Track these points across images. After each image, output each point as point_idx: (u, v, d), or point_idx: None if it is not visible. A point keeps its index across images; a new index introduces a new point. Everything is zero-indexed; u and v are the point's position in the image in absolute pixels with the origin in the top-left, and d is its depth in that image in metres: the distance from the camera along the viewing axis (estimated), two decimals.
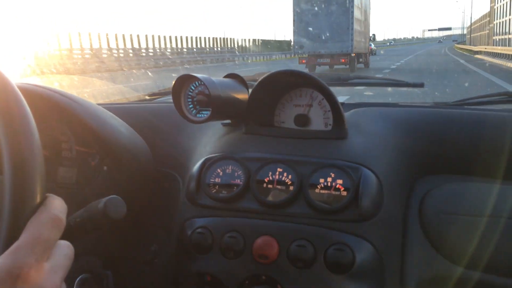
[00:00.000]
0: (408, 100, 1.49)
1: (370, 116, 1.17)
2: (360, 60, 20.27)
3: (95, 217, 0.77)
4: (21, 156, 0.65)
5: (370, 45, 24.19)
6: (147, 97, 1.74)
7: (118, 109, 1.28)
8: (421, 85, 1.44)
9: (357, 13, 19.08)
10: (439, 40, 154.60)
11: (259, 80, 1.08)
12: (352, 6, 18.40)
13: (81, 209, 0.81)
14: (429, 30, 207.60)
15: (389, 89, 1.69)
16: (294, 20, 18.62)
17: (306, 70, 1.22)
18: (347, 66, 18.83)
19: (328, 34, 18.14)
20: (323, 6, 18.14)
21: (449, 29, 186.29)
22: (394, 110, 1.22)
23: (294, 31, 18.82)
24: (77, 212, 0.81)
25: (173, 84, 1.07)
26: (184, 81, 1.08)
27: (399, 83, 1.50)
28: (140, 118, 1.30)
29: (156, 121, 1.31)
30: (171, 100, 1.09)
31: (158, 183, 1.19)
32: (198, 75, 1.05)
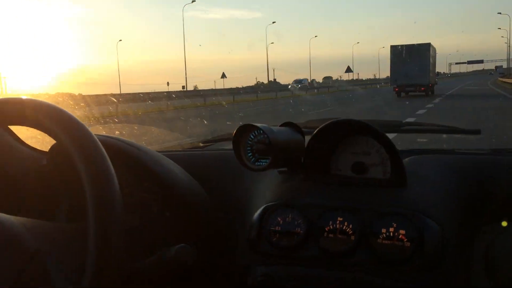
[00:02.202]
0: (462, 145, 1.46)
1: (427, 164, 1.16)
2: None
3: (166, 265, 0.80)
4: (104, 199, 0.70)
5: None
6: (201, 144, 1.79)
7: (175, 157, 1.33)
8: (477, 132, 1.42)
9: (430, 59, 30.27)
10: (490, 73, 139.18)
11: (318, 129, 1.11)
12: (429, 55, 29.71)
13: (150, 257, 0.84)
14: (456, 63, 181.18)
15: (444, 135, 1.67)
16: (391, 65, 30.26)
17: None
18: (423, 93, 28.19)
19: (413, 73, 28.01)
20: (409, 55, 29.22)
21: (481, 61, 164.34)
22: (452, 158, 1.21)
23: (391, 71, 30.58)
24: (147, 259, 0.84)
25: (234, 133, 1.11)
26: (244, 129, 1.11)
27: (454, 129, 1.48)
28: (197, 165, 1.34)
29: (213, 168, 1.35)
30: (224, 147, 1.12)
31: (217, 229, 1.22)
32: (259, 125, 1.08)
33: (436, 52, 33.99)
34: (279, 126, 1.19)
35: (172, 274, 0.81)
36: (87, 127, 0.81)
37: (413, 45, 30.15)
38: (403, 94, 28.80)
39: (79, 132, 0.78)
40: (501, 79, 58.32)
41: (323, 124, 1.10)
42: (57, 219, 1.13)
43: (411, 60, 28.86)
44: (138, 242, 1.12)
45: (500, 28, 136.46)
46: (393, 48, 30.46)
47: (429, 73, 29.26)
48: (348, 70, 45.22)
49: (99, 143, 0.79)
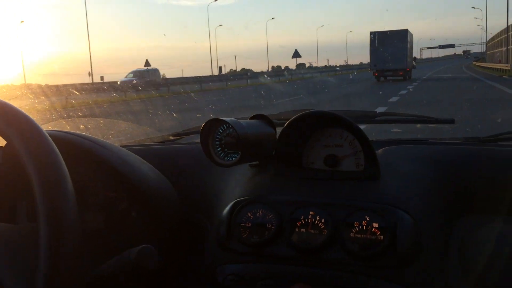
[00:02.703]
0: (437, 135, 1.45)
1: (401, 155, 1.14)
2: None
3: (127, 268, 0.75)
4: (56, 205, 0.65)
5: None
6: (171, 137, 1.73)
7: (144, 151, 1.27)
8: (451, 121, 1.41)
9: (408, 44, 31.64)
10: (466, 56, 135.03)
11: (288, 121, 1.07)
12: (406, 41, 30.98)
13: (111, 260, 0.79)
14: (427, 48, 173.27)
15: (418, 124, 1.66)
16: (370, 51, 31.45)
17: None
18: (401, 77, 29.53)
19: (391, 58, 29.51)
20: (388, 41, 30.54)
21: (453, 46, 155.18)
22: (426, 148, 1.18)
23: (370, 56, 31.57)
24: (108, 262, 0.79)
25: (201, 128, 1.06)
26: (212, 124, 1.07)
27: (428, 119, 1.46)
28: (167, 160, 1.29)
29: (183, 163, 1.30)
30: (196, 140, 1.08)
31: (185, 226, 1.17)
32: (226, 119, 1.04)
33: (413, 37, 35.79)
34: (249, 118, 1.14)
35: (135, 276, 0.76)
36: (37, 123, 0.75)
37: (391, 31, 31.85)
38: (382, 78, 30.36)
39: (27, 129, 0.72)
40: (475, 63, 59.67)
41: (294, 116, 1.06)
42: (18, 220, 1.07)
43: (390, 45, 30.27)
44: (103, 243, 1.07)
45: (476, 18, 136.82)
46: (372, 35, 31.65)
47: (406, 58, 30.77)
48: (296, 55, 44.50)
49: (50, 140, 0.73)
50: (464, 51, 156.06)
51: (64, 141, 1.02)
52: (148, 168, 1.13)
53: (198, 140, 1.07)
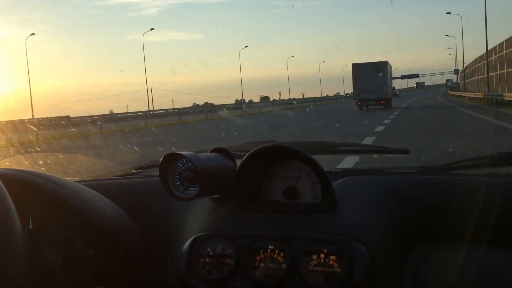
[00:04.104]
0: (394, 164, 1.49)
1: (358, 186, 1.17)
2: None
3: None
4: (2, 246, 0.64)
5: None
6: (133, 171, 1.72)
7: (104, 186, 1.26)
8: (406, 152, 1.46)
9: (388, 75, 33.52)
10: (447, 85, 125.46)
11: (246, 155, 1.08)
12: (386, 72, 32.67)
13: None
14: (393, 78, 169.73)
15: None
16: (353, 81, 32.77)
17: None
18: (383, 106, 31.34)
19: (373, 88, 31.22)
20: (370, 73, 31.88)
21: (417, 76, 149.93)
22: (382, 178, 1.22)
23: (353, 87, 32.87)
24: None
25: (160, 162, 1.07)
26: (171, 159, 1.07)
27: (384, 149, 1.51)
28: (127, 194, 1.28)
29: (144, 197, 1.29)
30: (158, 173, 1.08)
31: (146, 261, 1.16)
32: (184, 153, 1.05)
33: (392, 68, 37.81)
34: (210, 152, 1.16)
35: None
36: None
37: (371, 63, 33.24)
38: (364, 108, 31.95)
39: None
40: (451, 92, 60.67)
41: (252, 150, 1.08)
42: None
43: (371, 76, 31.76)
44: (61, 281, 1.04)
45: (448, 47, 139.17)
46: (355, 66, 33.22)
47: (387, 88, 32.53)
48: None
49: None
50: (447, 80, 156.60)
51: (20, 179, 1.01)
52: (106, 204, 1.12)
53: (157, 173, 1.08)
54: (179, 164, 1.08)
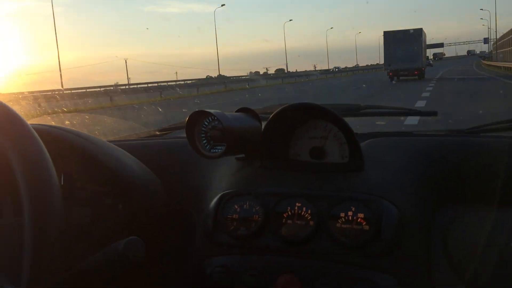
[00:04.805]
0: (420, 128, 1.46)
1: (385, 147, 1.15)
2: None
3: (114, 261, 0.75)
4: (41, 198, 0.65)
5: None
6: (157, 133, 1.73)
7: (130, 146, 1.27)
8: (434, 114, 1.43)
9: (422, 44, 31.31)
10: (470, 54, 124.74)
11: (273, 114, 1.07)
12: (421, 40, 30.62)
13: (97, 253, 0.79)
14: None
15: (402, 117, 1.67)
16: (384, 51, 30.76)
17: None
18: (416, 76, 29.20)
19: (406, 57, 29.09)
20: (403, 41, 29.82)
21: (441, 45, 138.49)
22: (409, 140, 1.20)
23: (384, 56, 30.95)
24: (95, 255, 0.79)
25: (186, 120, 1.07)
26: (198, 117, 1.07)
27: (412, 111, 1.48)
28: (152, 155, 1.29)
29: (169, 157, 1.30)
30: (182, 135, 1.09)
31: (173, 220, 1.18)
32: (211, 111, 1.04)
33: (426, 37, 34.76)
34: (235, 112, 1.15)
35: (122, 269, 0.76)
36: (21, 117, 0.75)
37: (405, 30, 30.85)
38: (395, 79, 29.74)
39: (11, 122, 0.72)
40: (484, 61, 57.33)
41: (280, 108, 1.06)
42: (4, 214, 1.07)
43: (404, 45, 29.61)
44: (89, 237, 1.07)
45: (482, 18, 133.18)
46: (386, 34, 31.08)
47: (422, 57, 30.36)
48: None
49: (35, 134, 0.73)
50: (468, 51, 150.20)
51: (50, 135, 1.02)
52: (134, 162, 1.14)
53: (184, 135, 1.08)
54: (205, 122, 1.08)
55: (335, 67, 73.40)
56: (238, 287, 0.94)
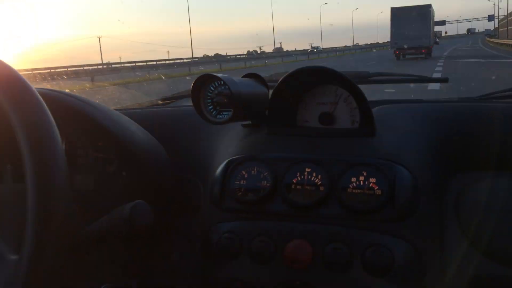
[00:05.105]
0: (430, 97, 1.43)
1: (396, 113, 1.12)
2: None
3: (119, 225, 0.73)
4: (45, 163, 0.62)
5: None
6: (160, 102, 1.70)
7: (133, 114, 1.24)
8: (445, 80, 1.39)
9: (431, 21, 29.88)
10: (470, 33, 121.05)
11: (282, 78, 1.04)
12: (430, 17, 29.09)
13: (102, 217, 0.77)
14: None
15: (411, 85, 1.63)
16: (391, 28, 29.25)
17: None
18: (423, 55, 27.27)
19: (414, 35, 27.33)
20: (411, 18, 28.33)
21: (443, 23, 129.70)
22: (421, 106, 1.17)
23: (391, 34, 29.25)
24: (99, 220, 0.77)
25: (192, 84, 1.03)
26: (204, 81, 1.03)
27: (422, 78, 1.44)
28: (156, 122, 1.26)
29: (172, 125, 1.27)
30: (185, 104, 1.05)
31: (177, 188, 1.15)
32: (219, 75, 1.01)
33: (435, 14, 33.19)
34: (242, 77, 1.11)
35: (128, 234, 0.74)
36: (25, 79, 0.71)
37: (413, 6, 29.53)
38: (401, 57, 27.87)
39: (14, 83, 0.68)
40: (489, 39, 55.91)
41: (289, 72, 1.03)
42: (4, 180, 1.05)
43: (412, 22, 28.15)
44: (93, 204, 1.05)
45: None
46: (394, 10, 29.64)
47: (430, 34, 28.81)
48: None
49: (39, 97, 0.69)
50: (468, 29, 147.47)
51: (53, 99, 0.99)
52: (136, 128, 1.10)
53: (188, 104, 1.04)
54: (211, 87, 1.04)
55: (314, 47, 69.00)
56: (247, 253, 0.92)
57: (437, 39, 35.90)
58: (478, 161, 1.03)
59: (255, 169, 0.98)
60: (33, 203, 0.63)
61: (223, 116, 1.04)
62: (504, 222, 0.93)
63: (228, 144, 1.11)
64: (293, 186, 0.94)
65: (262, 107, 1.09)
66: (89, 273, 0.94)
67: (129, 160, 1.04)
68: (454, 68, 16.61)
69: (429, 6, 29.70)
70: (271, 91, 1.09)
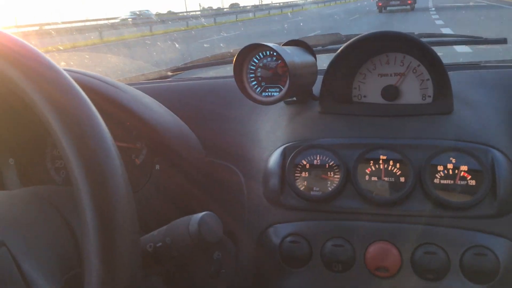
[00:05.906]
0: (483, 58, 1.26)
1: (465, 82, 0.96)
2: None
3: (183, 241, 0.58)
4: (97, 163, 0.46)
5: None
6: (169, 73, 1.50)
7: (149, 90, 1.04)
8: (504, 41, 1.22)
9: None
10: None
11: (343, 46, 0.87)
12: None
13: (161, 229, 0.62)
14: None
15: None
16: None
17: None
18: (408, 6, 24.76)
19: None
20: None
21: None
22: (489, 74, 1.01)
23: None
24: (158, 233, 0.62)
25: (236, 56, 0.86)
26: (248, 52, 0.86)
27: (477, 40, 1.27)
28: (177, 100, 1.07)
29: (195, 103, 1.08)
30: (198, 75, 0.87)
31: (212, 178, 0.98)
32: (270, 44, 0.83)
33: None
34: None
35: (190, 251, 0.59)
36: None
37: None
38: (383, 10, 25.44)
39: (41, 67, 0.50)
40: None
41: (351, 40, 0.85)
42: (7, 176, 0.89)
43: None
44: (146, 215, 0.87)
45: None
46: None
47: None
48: None
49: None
50: None
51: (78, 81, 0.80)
52: (164, 110, 0.93)
53: (200, 75, 0.87)
54: (254, 60, 0.87)
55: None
56: (318, 260, 0.77)
57: None
58: None
59: (318, 158, 0.82)
60: (89, 210, 0.46)
61: (269, 93, 0.87)
62: None
63: (273, 126, 0.94)
64: (367, 177, 0.78)
65: (312, 80, 0.93)
66: None
67: (162, 149, 0.87)
68: (451, 17, 16.06)
69: None
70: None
